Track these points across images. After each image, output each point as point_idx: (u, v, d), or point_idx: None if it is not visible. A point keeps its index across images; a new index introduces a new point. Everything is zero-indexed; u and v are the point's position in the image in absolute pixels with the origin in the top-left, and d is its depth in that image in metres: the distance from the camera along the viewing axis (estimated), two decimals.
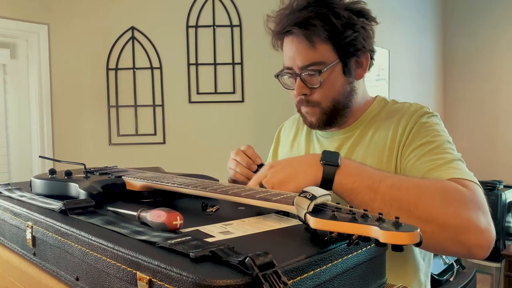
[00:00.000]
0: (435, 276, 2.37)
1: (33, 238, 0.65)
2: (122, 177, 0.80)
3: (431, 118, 0.91)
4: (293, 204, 0.52)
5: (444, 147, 0.85)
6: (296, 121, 1.14)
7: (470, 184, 0.76)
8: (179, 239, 0.46)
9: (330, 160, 0.74)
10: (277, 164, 0.78)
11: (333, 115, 0.93)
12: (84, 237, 0.53)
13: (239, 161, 0.91)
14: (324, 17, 0.85)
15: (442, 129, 0.91)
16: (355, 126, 0.98)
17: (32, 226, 0.65)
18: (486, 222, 0.72)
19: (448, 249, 0.72)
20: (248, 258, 0.37)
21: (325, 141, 1.02)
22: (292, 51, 0.89)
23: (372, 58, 0.95)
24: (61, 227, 0.58)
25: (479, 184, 0.78)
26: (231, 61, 2.52)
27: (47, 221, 0.61)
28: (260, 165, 0.89)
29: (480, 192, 0.76)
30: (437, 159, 0.82)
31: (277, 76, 0.96)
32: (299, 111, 0.97)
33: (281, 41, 0.93)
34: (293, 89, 0.92)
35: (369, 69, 0.96)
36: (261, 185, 0.74)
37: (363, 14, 0.90)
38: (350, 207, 0.47)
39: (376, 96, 1.03)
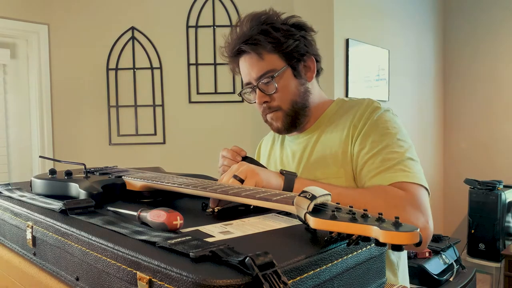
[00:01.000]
0: (435, 276, 2.37)
1: (33, 238, 0.65)
2: (122, 177, 0.80)
3: (382, 114, 0.96)
4: (293, 204, 0.52)
5: (392, 146, 0.91)
6: (273, 134, 1.22)
7: (411, 187, 0.86)
8: (179, 239, 0.46)
9: (289, 172, 0.87)
10: (244, 163, 0.87)
11: (295, 116, 1.02)
12: (84, 237, 0.53)
13: (225, 155, 1.00)
14: (266, 32, 0.97)
15: (393, 125, 0.95)
16: (315, 126, 1.05)
17: (32, 226, 0.65)
18: (424, 220, 0.84)
19: None
20: (248, 258, 0.37)
21: (293, 145, 1.09)
22: (246, 67, 1.01)
23: (317, 62, 1.04)
24: (61, 227, 0.58)
25: (421, 183, 0.87)
26: None
27: (47, 221, 0.61)
28: (245, 157, 0.97)
29: (419, 192, 0.86)
30: (383, 161, 0.90)
31: (240, 94, 1.07)
32: (266, 120, 1.06)
33: (237, 65, 1.04)
34: (255, 102, 1.02)
35: (318, 73, 1.06)
36: (235, 176, 0.80)
37: (300, 26, 1.01)
38: (350, 207, 0.47)
39: (338, 98, 1.10)
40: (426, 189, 0.88)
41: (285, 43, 0.97)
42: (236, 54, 1.02)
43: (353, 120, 0.98)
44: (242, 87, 1.06)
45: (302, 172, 1.02)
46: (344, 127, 0.98)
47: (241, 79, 1.06)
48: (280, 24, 0.99)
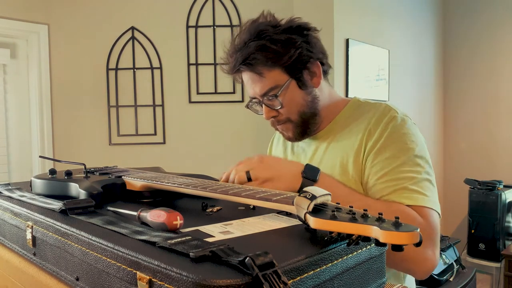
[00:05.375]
0: (435, 276, 2.37)
1: (33, 238, 0.65)
2: (122, 177, 0.80)
3: (400, 125, 0.91)
4: (293, 204, 0.52)
5: (409, 164, 0.87)
6: None
7: (428, 213, 0.84)
8: (179, 239, 0.46)
9: (309, 175, 0.83)
10: (266, 160, 0.85)
11: (305, 126, 0.99)
12: (84, 237, 0.53)
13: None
14: (263, 48, 0.91)
15: (411, 138, 0.90)
16: (328, 129, 1.02)
17: (32, 226, 0.65)
18: (432, 253, 0.83)
19: (392, 267, 0.87)
20: (248, 258, 0.37)
21: (305, 146, 1.07)
22: (248, 84, 0.97)
23: (323, 64, 0.98)
24: (61, 227, 0.58)
25: (437, 209, 0.86)
26: None
27: (47, 221, 0.61)
28: None
29: (435, 220, 0.85)
30: (401, 179, 0.86)
31: (247, 106, 1.04)
32: (276, 129, 1.04)
33: (239, 77, 1.00)
34: (262, 114, 0.99)
35: (326, 74, 1.00)
36: (247, 174, 0.81)
37: (301, 30, 0.94)
38: (350, 207, 0.47)
39: (353, 98, 1.06)
40: (439, 214, 0.87)
41: (286, 55, 0.91)
42: (235, 72, 0.98)
43: (368, 127, 0.93)
44: (249, 101, 1.02)
45: None
46: (358, 134, 0.94)
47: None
48: (279, 33, 0.92)
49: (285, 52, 0.91)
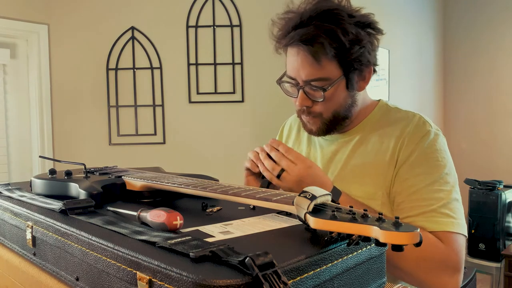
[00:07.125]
0: None
1: (33, 238, 0.65)
2: (122, 177, 0.80)
3: (433, 141, 0.90)
4: (293, 204, 0.52)
5: (439, 183, 0.86)
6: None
7: (454, 238, 0.83)
8: (179, 239, 0.46)
9: (335, 198, 0.81)
10: (306, 178, 0.81)
11: (332, 125, 0.95)
12: (84, 237, 0.53)
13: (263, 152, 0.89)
14: (332, 34, 0.83)
15: (442, 155, 0.89)
16: (355, 131, 0.98)
17: (32, 226, 0.65)
18: (454, 279, 0.82)
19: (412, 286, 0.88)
20: (248, 258, 0.37)
21: (325, 144, 1.03)
22: (296, 63, 0.88)
23: (375, 71, 0.94)
24: (61, 227, 0.58)
25: (463, 232, 0.85)
26: (231, 61, 2.52)
27: (47, 221, 0.61)
28: None
29: (461, 244, 0.83)
30: (429, 200, 0.85)
31: (278, 82, 0.95)
32: (300, 117, 0.98)
33: (285, 49, 0.92)
34: (295, 97, 0.92)
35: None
36: (280, 171, 0.82)
37: (370, 29, 0.89)
38: (350, 207, 0.47)
39: (379, 101, 1.03)
40: (465, 236, 0.86)
41: (350, 50, 0.84)
42: (291, 45, 0.88)
43: (401, 136, 0.90)
44: (283, 75, 0.93)
45: (334, 181, 0.94)
46: (390, 141, 0.91)
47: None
48: (352, 24, 0.84)
49: (350, 47, 0.84)
